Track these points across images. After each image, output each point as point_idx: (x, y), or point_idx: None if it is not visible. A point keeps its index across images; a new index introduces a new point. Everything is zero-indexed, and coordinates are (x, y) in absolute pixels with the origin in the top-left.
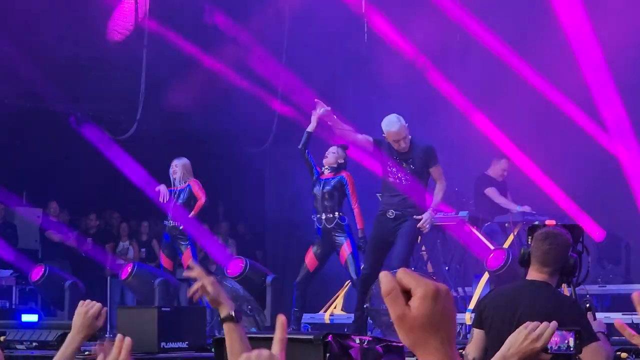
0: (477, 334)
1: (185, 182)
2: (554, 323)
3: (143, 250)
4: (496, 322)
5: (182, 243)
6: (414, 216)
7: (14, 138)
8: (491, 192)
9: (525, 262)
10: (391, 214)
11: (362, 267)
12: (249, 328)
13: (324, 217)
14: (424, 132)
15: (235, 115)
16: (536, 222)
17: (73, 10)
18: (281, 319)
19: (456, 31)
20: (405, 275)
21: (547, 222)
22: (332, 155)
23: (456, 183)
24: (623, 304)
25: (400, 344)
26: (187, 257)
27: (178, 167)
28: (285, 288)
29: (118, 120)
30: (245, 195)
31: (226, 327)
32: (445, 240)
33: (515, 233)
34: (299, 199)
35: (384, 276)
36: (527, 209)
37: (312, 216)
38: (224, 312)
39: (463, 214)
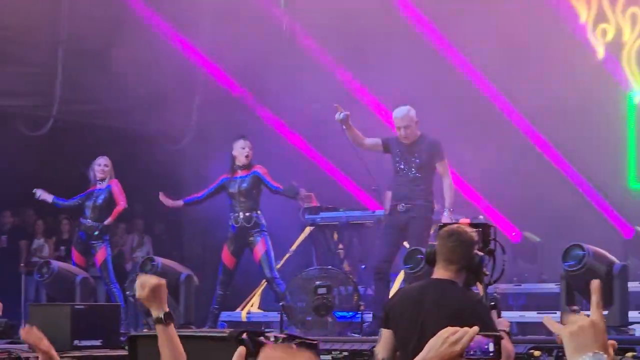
0: (385, 334)
1: (106, 182)
2: (474, 328)
3: (62, 248)
4: (403, 321)
5: (97, 242)
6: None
7: None
8: None
9: (431, 261)
10: (402, 207)
11: (377, 260)
12: None
13: (241, 215)
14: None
15: (153, 112)
16: (452, 221)
17: None
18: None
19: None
20: None
21: (461, 220)
22: (241, 153)
23: (374, 181)
24: (537, 302)
25: (315, 341)
26: (100, 257)
27: (105, 165)
28: (202, 286)
29: (33, 116)
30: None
31: (156, 328)
32: (361, 239)
33: (432, 232)
34: (217, 197)
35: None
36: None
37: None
38: (154, 314)
39: (380, 212)
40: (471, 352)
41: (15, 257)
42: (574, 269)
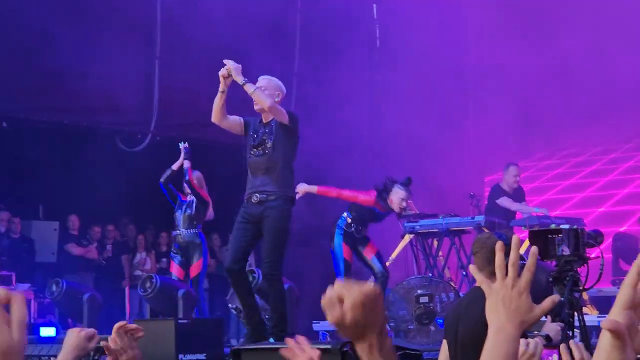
0: (443, 344)
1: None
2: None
3: (164, 260)
4: (449, 330)
5: (194, 254)
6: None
7: (28, 151)
8: (504, 201)
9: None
10: (255, 198)
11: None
12: (268, 338)
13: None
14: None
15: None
16: (552, 225)
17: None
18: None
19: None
20: (339, 286)
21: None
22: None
23: (473, 187)
24: None
25: (419, 352)
26: (195, 268)
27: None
28: (303, 297)
29: (132, 132)
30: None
31: None
32: (462, 246)
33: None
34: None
35: (329, 288)
36: (544, 211)
37: None
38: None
39: (479, 219)
40: None
41: (117, 271)
42: None
